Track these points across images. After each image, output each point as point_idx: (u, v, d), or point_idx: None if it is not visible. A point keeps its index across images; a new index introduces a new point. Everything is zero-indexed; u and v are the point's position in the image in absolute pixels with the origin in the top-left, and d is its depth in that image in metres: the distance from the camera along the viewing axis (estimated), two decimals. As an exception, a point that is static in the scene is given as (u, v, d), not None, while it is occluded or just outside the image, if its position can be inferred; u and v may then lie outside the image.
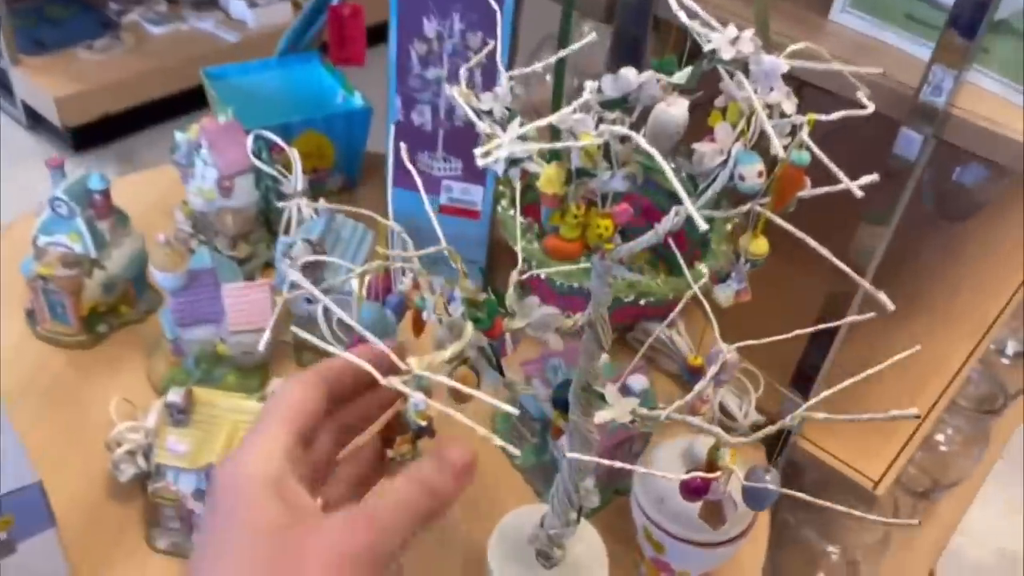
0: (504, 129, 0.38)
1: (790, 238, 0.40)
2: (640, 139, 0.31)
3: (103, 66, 2.00)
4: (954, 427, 1.26)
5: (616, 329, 0.47)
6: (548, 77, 0.99)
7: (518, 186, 0.40)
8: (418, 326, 0.47)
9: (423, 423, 0.38)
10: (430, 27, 0.75)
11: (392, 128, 0.80)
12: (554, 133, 0.37)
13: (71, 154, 2.03)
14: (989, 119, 0.66)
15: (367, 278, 0.60)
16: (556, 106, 0.84)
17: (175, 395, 0.60)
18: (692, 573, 0.64)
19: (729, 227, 0.83)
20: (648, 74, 0.32)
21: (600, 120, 0.36)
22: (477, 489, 0.71)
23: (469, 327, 0.40)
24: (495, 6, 0.47)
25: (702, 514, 0.43)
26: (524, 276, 0.50)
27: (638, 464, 0.66)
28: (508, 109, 0.39)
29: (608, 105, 0.34)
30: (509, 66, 0.77)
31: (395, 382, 0.36)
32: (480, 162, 0.40)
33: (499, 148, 0.35)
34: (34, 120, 2.06)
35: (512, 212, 0.82)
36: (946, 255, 1.26)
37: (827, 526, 1.14)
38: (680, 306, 0.54)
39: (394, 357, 0.37)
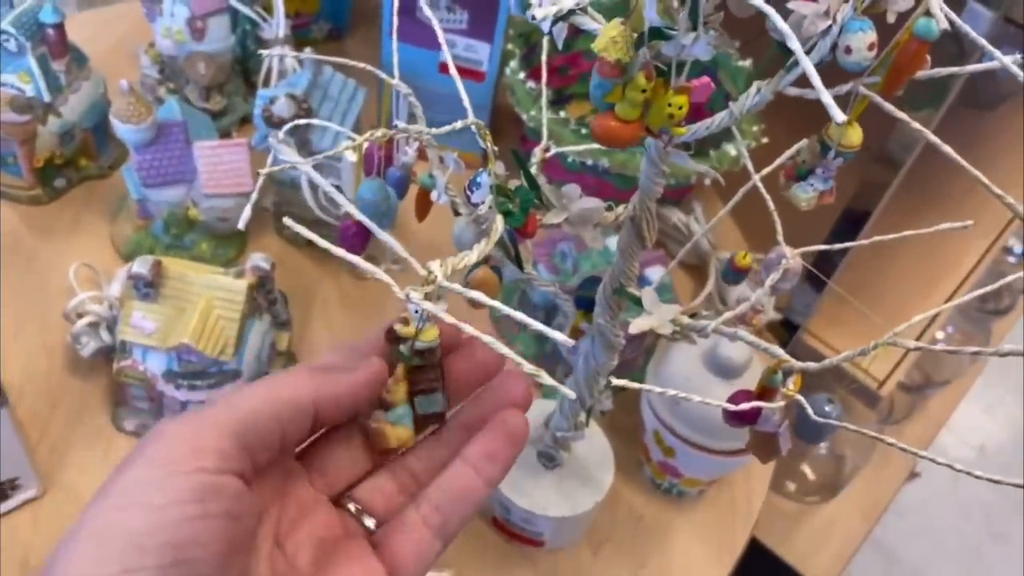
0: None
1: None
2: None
3: None
4: (954, 325, 1.23)
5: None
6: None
7: (560, 45, 0.32)
8: (423, 207, 0.40)
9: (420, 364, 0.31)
10: None
11: (390, -31, 0.70)
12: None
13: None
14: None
15: (363, 146, 0.52)
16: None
17: (141, 266, 0.53)
18: (702, 479, 0.60)
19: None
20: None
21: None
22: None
23: (500, 221, 0.33)
24: None
25: (750, 446, 0.38)
26: (548, 155, 0.43)
27: (651, 363, 0.60)
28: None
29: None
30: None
31: (417, 298, 0.29)
32: (516, 9, 0.32)
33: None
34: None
35: (522, 75, 0.73)
36: (965, 147, 1.19)
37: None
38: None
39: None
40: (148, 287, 0.53)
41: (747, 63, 0.77)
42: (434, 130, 0.35)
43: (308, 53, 0.66)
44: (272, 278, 0.58)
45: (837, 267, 0.84)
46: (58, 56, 0.66)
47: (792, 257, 0.38)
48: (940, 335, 1.25)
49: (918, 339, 0.96)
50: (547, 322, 0.67)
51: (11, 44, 0.64)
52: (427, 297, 0.29)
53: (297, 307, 0.66)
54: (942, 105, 0.71)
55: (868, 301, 0.96)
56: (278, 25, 0.74)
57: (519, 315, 0.31)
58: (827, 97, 0.25)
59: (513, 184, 0.34)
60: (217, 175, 0.64)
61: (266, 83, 0.73)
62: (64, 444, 0.58)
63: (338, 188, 0.64)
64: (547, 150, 0.43)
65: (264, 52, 0.71)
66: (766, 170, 0.38)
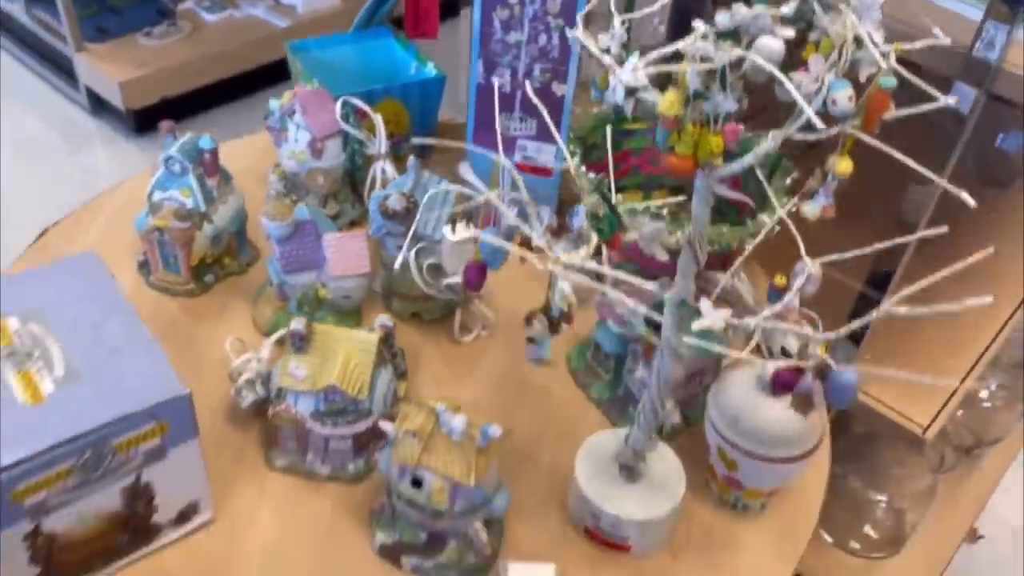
0: (620, 64, 0.44)
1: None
2: (757, 57, 0.37)
3: (162, 52, 2.08)
4: (997, 384, 1.30)
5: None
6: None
7: (628, 114, 0.45)
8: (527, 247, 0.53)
9: (566, 307, 0.44)
10: (511, -5, 0.81)
11: (474, 90, 0.86)
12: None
13: (134, 137, 2.11)
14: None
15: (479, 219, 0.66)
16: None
17: (298, 323, 0.66)
18: (764, 490, 0.70)
19: (788, 181, 0.88)
20: (760, 7, 0.38)
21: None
22: (558, 420, 0.78)
23: (594, 236, 0.46)
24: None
25: (793, 404, 0.49)
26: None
27: (711, 392, 0.71)
28: (623, 47, 0.45)
29: (722, 35, 0.40)
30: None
31: (554, 266, 0.42)
32: (596, 95, 0.46)
33: (620, 74, 0.41)
34: (97, 105, 2.14)
35: (584, 169, 0.88)
36: (988, 220, 1.30)
37: (874, 475, 1.19)
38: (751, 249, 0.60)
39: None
40: (302, 340, 0.67)
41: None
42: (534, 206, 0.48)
43: (412, 160, 0.82)
44: (394, 335, 0.71)
45: (867, 329, 0.94)
46: (211, 174, 0.83)
47: (812, 266, 0.50)
48: (984, 395, 1.32)
49: (957, 389, 1.05)
50: (617, 368, 0.79)
51: (176, 167, 0.81)
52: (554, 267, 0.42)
53: (408, 365, 0.78)
54: (945, 172, 0.83)
55: (902, 357, 1.06)
56: (380, 143, 0.90)
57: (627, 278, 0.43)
58: (823, 128, 0.38)
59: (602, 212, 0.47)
60: (342, 261, 0.78)
61: (372, 188, 0.88)
62: (227, 482, 0.70)
63: (439, 264, 0.78)
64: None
65: (373, 163, 0.87)
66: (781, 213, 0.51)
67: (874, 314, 0.46)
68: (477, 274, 0.53)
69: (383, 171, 0.89)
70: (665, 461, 0.69)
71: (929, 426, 1.00)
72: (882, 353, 1.05)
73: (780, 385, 0.47)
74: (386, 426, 0.61)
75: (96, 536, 0.59)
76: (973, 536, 1.46)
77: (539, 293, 0.71)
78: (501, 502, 0.64)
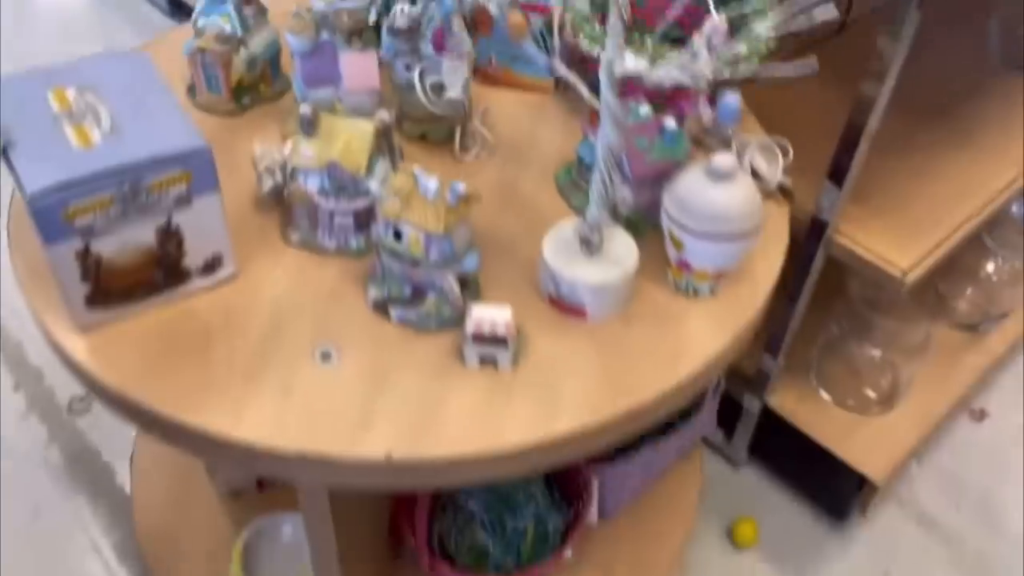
0: None
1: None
2: None
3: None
4: (1003, 257, 1.34)
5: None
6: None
7: None
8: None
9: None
10: None
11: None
12: None
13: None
14: None
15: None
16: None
17: (306, 109, 0.77)
18: (708, 271, 0.79)
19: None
20: None
21: None
22: (540, 224, 0.88)
23: None
24: None
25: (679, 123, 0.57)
26: None
27: (666, 187, 0.80)
28: None
29: None
30: None
31: None
32: None
33: None
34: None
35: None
36: (1004, 101, 1.33)
37: (870, 333, 1.25)
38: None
39: None
40: (310, 125, 0.78)
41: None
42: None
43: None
44: (391, 130, 0.82)
45: (850, 169, 1.00)
46: (248, 3, 0.94)
47: (719, 20, 0.58)
48: (991, 268, 1.36)
49: (951, 232, 1.09)
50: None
51: (217, -4, 0.93)
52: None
53: (411, 172, 0.89)
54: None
55: (898, 205, 1.11)
56: (400, -14, 0.99)
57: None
58: None
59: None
60: (355, 76, 0.89)
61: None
62: (249, 255, 0.82)
63: (441, 83, 0.88)
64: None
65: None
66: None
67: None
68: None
69: (402, 10, 0.99)
70: (621, 242, 0.79)
71: (910, 270, 1.06)
72: (870, 202, 1.11)
73: (674, 109, 0.56)
74: (373, 185, 0.72)
75: (136, 268, 0.72)
76: (979, 415, 1.51)
77: (533, 121, 0.80)
78: (471, 261, 0.75)
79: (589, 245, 0.76)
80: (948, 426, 1.46)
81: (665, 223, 0.79)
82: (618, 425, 0.72)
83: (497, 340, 0.71)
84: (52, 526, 1.30)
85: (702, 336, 0.78)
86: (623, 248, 0.78)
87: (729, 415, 1.34)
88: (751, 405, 1.29)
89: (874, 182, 1.13)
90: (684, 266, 0.79)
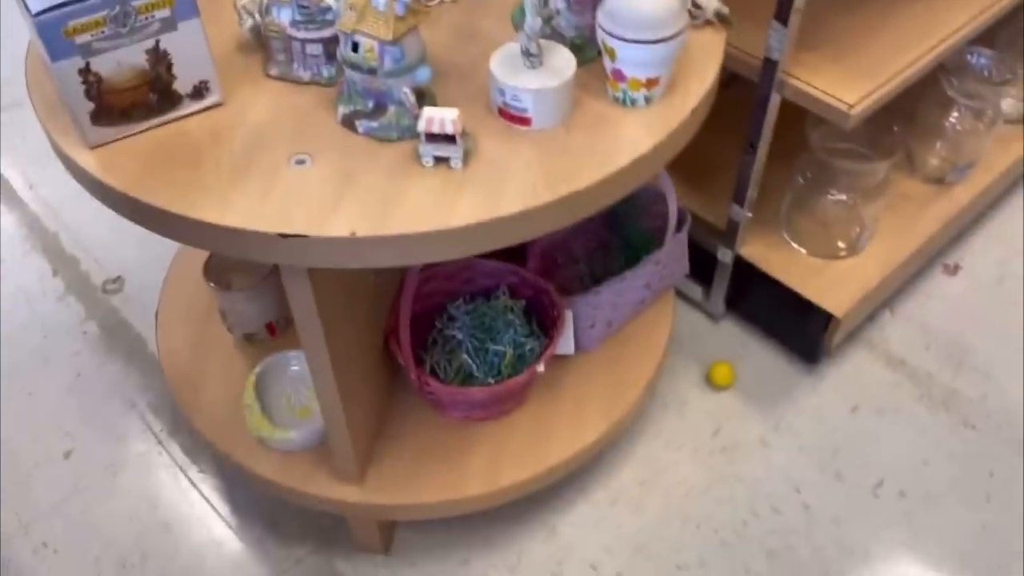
0: None
1: None
2: None
3: None
4: (965, 106, 1.40)
5: None
6: None
7: None
8: None
9: None
10: None
11: None
12: None
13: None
14: None
15: None
16: None
17: (275, -54, 0.87)
18: (640, 78, 0.87)
19: None
20: None
21: None
22: (494, 51, 0.96)
23: None
24: None
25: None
26: None
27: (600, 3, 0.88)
28: None
29: None
30: None
31: None
32: None
33: None
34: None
35: None
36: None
37: (832, 179, 1.33)
38: None
39: None
40: (280, -38, 0.88)
41: None
42: None
43: None
44: (356, -32, 0.91)
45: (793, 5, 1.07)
46: None
47: None
48: (954, 118, 1.42)
49: (896, 72, 1.16)
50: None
51: None
52: None
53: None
54: None
55: (851, 41, 1.18)
56: None
57: None
58: None
59: None
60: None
61: None
62: (232, 84, 0.93)
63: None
64: None
65: None
66: None
67: None
68: None
69: None
70: (561, 56, 0.88)
71: (856, 104, 1.13)
72: (822, 49, 1.18)
73: None
74: (332, 2, 0.81)
75: (132, 88, 0.83)
76: (953, 269, 1.58)
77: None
78: (424, 73, 0.84)
79: (530, 57, 0.85)
80: (922, 280, 1.53)
81: (600, 36, 0.87)
82: (556, 209, 0.82)
83: (447, 138, 0.81)
84: (93, 388, 1.45)
85: (635, 137, 0.87)
86: (562, 61, 0.87)
87: (706, 270, 1.43)
88: (724, 256, 1.38)
89: (827, 31, 1.20)
90: (619, 76, 0.88)
